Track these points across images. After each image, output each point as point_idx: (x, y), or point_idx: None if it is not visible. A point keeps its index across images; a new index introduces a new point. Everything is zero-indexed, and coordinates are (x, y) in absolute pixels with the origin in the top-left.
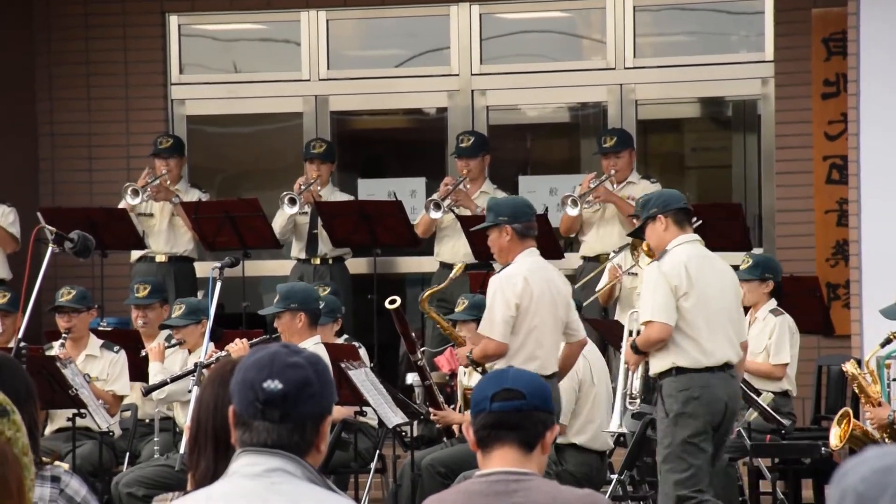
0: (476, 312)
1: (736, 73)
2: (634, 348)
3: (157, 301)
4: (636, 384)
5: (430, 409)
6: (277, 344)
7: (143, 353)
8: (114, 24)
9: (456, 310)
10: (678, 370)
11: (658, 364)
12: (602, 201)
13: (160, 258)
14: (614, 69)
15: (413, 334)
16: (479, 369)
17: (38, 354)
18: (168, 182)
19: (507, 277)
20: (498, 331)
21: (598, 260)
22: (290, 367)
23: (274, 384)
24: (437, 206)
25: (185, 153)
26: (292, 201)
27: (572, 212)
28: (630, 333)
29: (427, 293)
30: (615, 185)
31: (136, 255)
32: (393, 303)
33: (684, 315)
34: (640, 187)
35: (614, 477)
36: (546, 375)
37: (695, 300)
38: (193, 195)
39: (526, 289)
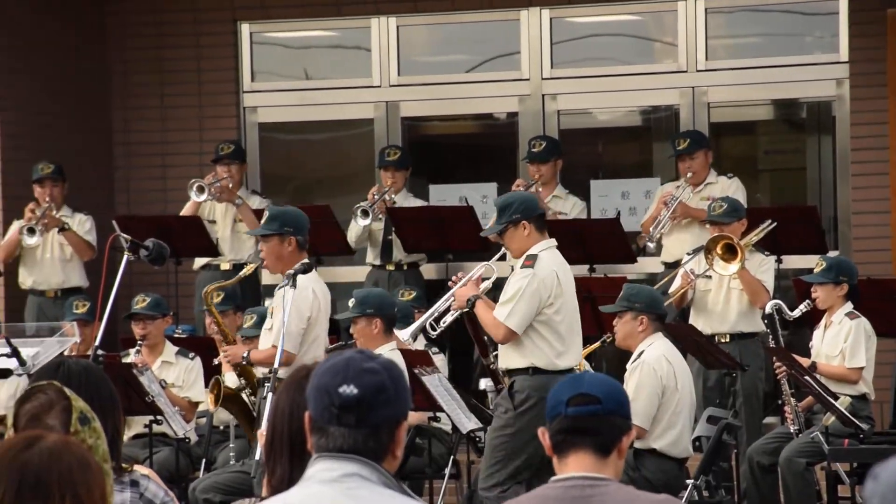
0: None
1: (810, 75)
2: (472, 304)
3: (231, 308)
4: (447, 319)
5: None
6: (353, 350)
7: (217, 362)
8: (186, 33)
9: None
10: (535, 370)
11: (514, 361)
12: (681, 217)
13: (224, 266)
14: (686, 72)
15: (486, 338)
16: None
17: (115, 361)
18: (230, 185)
19: (299, 290)
20: (290, 342)
21: (677, 265)
22: (365, 372)
23: (350, 389)
24: None
25: (247, 160)
26: (365, 213)
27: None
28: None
29: (213, 286)
30: (693, 189)
31: (199, 262)
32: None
33: (547, 321)
34: (720, 186)
35: (690, 482)
36: None
37: (559, 307)
38: (255, 202)
39: (315, 301)
